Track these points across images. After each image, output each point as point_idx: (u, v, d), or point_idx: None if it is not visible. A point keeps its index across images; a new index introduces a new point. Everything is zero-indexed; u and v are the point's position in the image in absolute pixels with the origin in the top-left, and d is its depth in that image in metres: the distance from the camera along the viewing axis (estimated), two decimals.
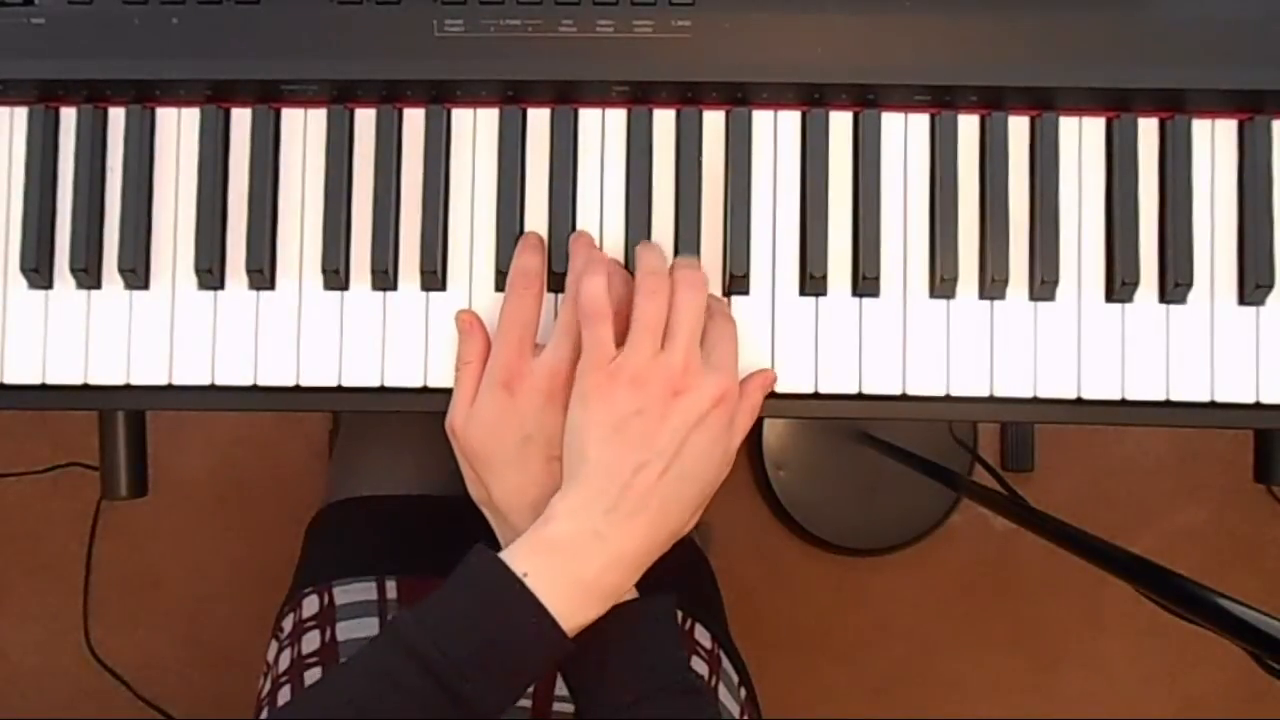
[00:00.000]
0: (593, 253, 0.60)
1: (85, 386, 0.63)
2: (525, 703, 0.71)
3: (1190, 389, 0.62)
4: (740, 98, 0.63)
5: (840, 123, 0.63)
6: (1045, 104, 0.63)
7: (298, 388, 0.63)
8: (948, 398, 0.62)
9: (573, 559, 0.54)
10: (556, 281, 0.62)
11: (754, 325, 0.62)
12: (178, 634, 1.53)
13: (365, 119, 0.63)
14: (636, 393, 0.55)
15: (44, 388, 0.63)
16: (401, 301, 0.63)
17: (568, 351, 0.57)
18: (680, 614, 0.77)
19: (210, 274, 0.62)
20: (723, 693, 0.77)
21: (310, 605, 0.77)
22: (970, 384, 0.62)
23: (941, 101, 0.62)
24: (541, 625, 0.52)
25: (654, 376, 0.55)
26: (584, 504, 0.54)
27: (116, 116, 0.63)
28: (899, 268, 0.63)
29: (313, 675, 0.73)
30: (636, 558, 0.55)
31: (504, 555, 0.54)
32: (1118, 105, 0.62)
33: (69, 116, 0.64)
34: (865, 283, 0.62)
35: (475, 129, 0.63)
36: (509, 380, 0.57)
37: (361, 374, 0.63)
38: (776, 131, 0.63)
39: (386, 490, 0.84)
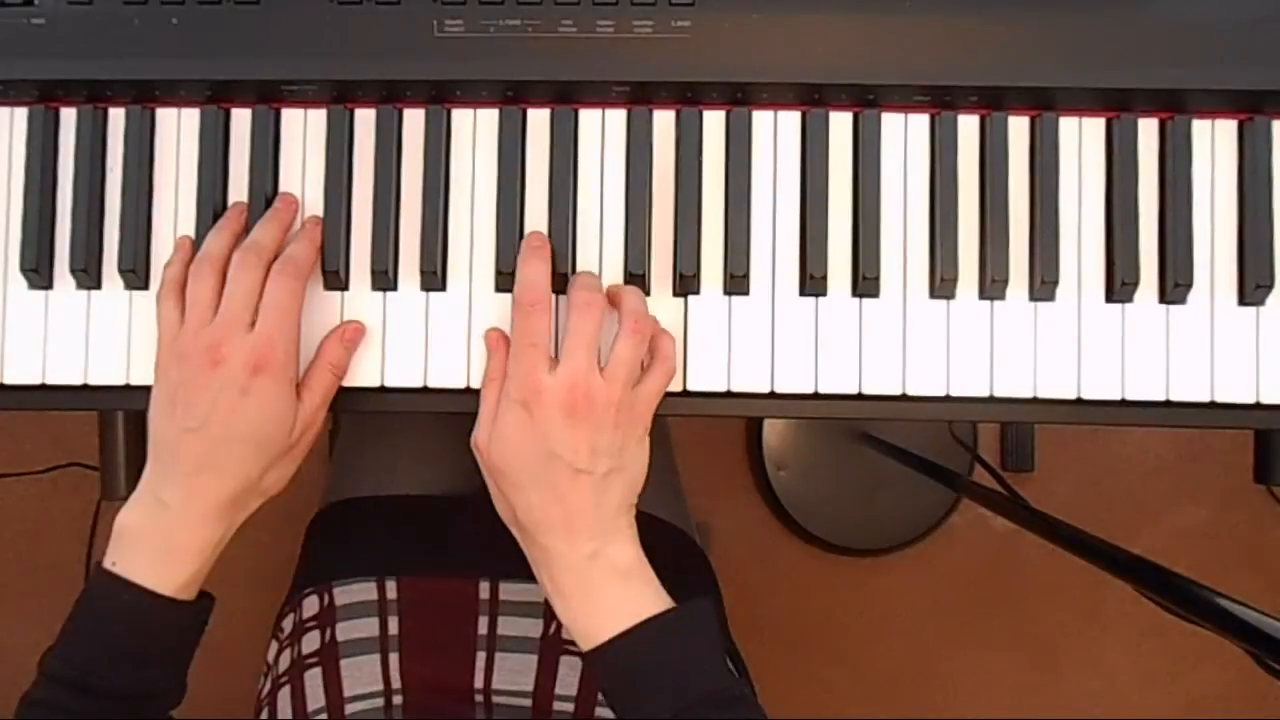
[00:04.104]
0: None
1: (85, 386, 0.63)
2: (525, 702, 0.71)
3: (1190, 389, 0.62)
4: (740, 98, 0.63)
5: (840, 123, 0.63)
6: (1045, 104, 0.62)
7: None
8: (948, 398, 0.62)
9: (149, 535, 0.59)
10: (559, 283, 0.62)
11: (754, 325, 0.62)
12: None
13: (365, 119, 0.63)
14: None
15: (44, 388, 0.63)
16: (401, 301, 0.63)
17: (583, 363, 0.57)
18: None
19: None
20: None
21: (310, 605, 0.76)
22: (970, 384, 0.62)
23: (941, 101, 0.62)
24: (139, 597, 0.58)
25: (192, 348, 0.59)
26: (144, 485, 0.60)
27: (116, 116, 0.63)
28: (899, 268, 0.63)
29: (313, 675, 0.73)
30: (208, 513, 0.59)
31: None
32: (1118, 105, 0.62)
33: (69, 116, 0.64)
34: (865, 283, 0.62)
35: (475, 129, 0.63)
36: (526, 398, 0.57)
37: (361, 374, 0.63)
38: (776, 131, 0.63)
39: (386, 490, 0.83)
